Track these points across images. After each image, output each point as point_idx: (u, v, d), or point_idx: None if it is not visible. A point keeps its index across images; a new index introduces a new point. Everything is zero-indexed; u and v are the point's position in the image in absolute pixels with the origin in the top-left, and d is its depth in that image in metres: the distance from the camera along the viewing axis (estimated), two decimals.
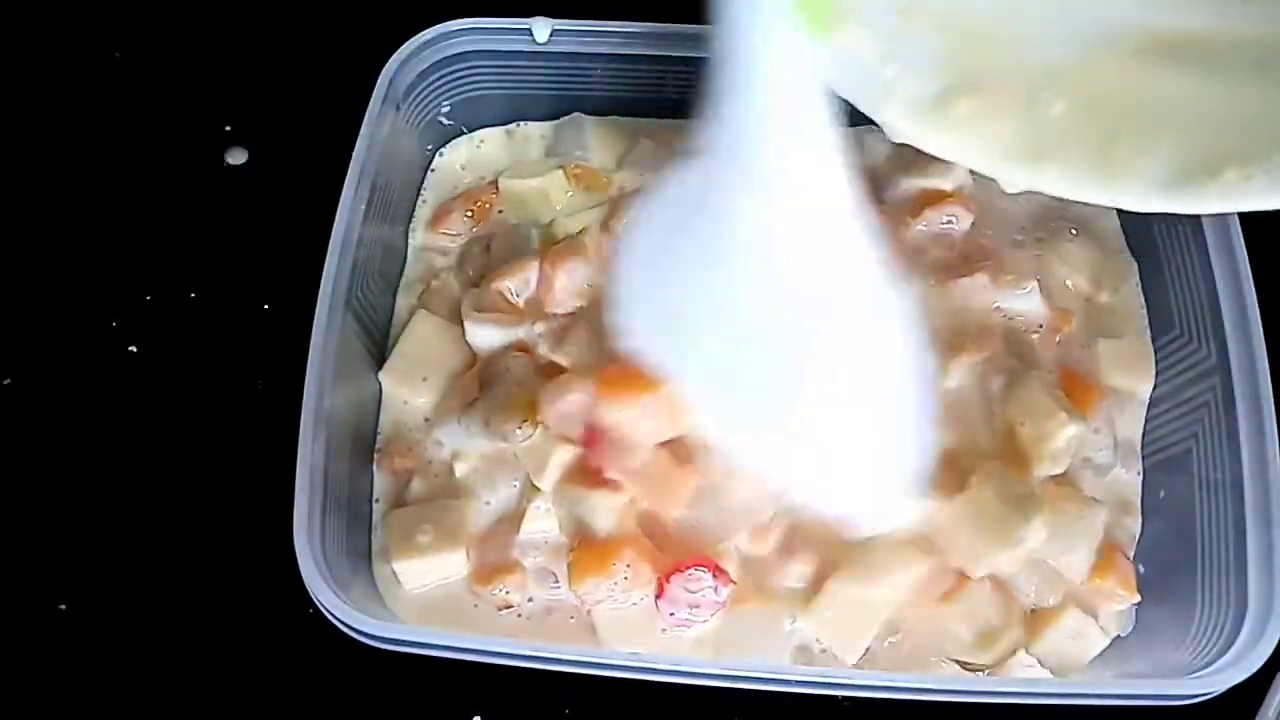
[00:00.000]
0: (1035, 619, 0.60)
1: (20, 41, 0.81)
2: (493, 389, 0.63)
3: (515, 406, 0.62)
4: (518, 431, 0.61)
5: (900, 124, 0.46)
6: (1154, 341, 0.67)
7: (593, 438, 0.60)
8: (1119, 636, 0.61)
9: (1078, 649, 0.60)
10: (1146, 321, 0.68)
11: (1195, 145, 0.44)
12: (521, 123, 0.74)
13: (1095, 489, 0.63)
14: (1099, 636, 0.60)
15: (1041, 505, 0.58)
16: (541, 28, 0.68)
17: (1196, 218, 0.62)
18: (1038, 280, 0.66)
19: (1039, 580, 0.60)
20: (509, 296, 0.66)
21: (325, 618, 0.54)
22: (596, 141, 0.73)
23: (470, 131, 0.74)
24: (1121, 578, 0.60)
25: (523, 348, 0.65)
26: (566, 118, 0.74)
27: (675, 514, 0.60)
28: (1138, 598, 0.60)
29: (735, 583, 0.59)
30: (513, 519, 0.62)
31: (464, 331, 0.65)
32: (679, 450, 0.60)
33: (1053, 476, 0.61)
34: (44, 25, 0.82)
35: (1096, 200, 0.46)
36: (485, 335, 0.65)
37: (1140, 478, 0.65)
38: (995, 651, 0.59)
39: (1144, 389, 0.66)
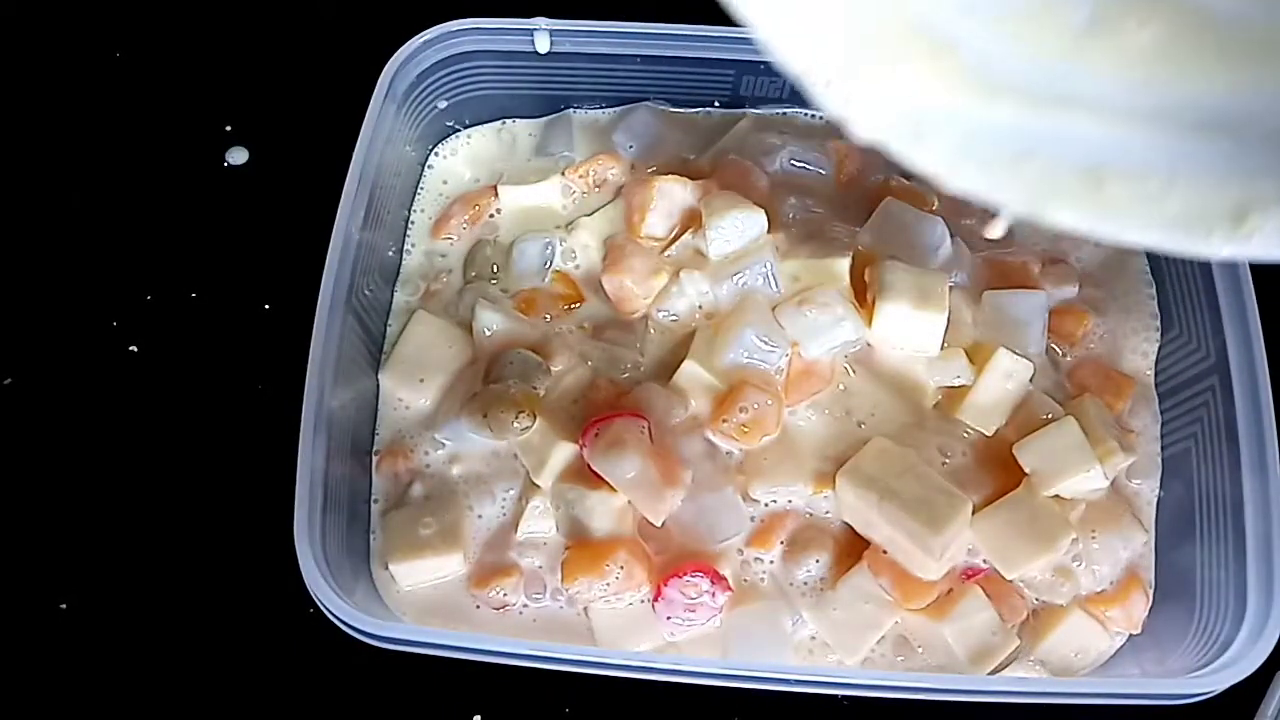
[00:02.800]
0: (1039, 620, 0.60)
1: (20, 41, 0.81)
2: (494, 382, 0.63)
3: (515, 399, 0.62)
4: (515, 424, 0.61)
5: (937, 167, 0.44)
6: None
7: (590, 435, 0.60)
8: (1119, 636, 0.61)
9: (1078, 656, 0.60)
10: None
11: (1213, 190, 0.43)
12: (510, 120, 0.74)
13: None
14: (1102, 640, 0.60)
15: (1085, 517, 0.59)
16: (542, 38, 0.68)
17: None
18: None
19: (1054, 583, 0.60)
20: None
21: (326, 618, 0.54)
22: (583, 138, 0.72)
23: (468, 128, 0.74)
24: (1129, 613, 0.60)
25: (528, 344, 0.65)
26: (555, 115, 0.73)
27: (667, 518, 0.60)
28: (1138, 631, 0.60)
29: (733, 590, 0.59)
30: (510, 520, 0.62)
31: (469, 327, 0.65)
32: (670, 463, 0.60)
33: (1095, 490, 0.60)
34: (44, 25, 0.82)
35: (1098, 233, 0.45)
36: (492, 322, 0.65)
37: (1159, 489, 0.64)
38: (989, 668, 0.58)
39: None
